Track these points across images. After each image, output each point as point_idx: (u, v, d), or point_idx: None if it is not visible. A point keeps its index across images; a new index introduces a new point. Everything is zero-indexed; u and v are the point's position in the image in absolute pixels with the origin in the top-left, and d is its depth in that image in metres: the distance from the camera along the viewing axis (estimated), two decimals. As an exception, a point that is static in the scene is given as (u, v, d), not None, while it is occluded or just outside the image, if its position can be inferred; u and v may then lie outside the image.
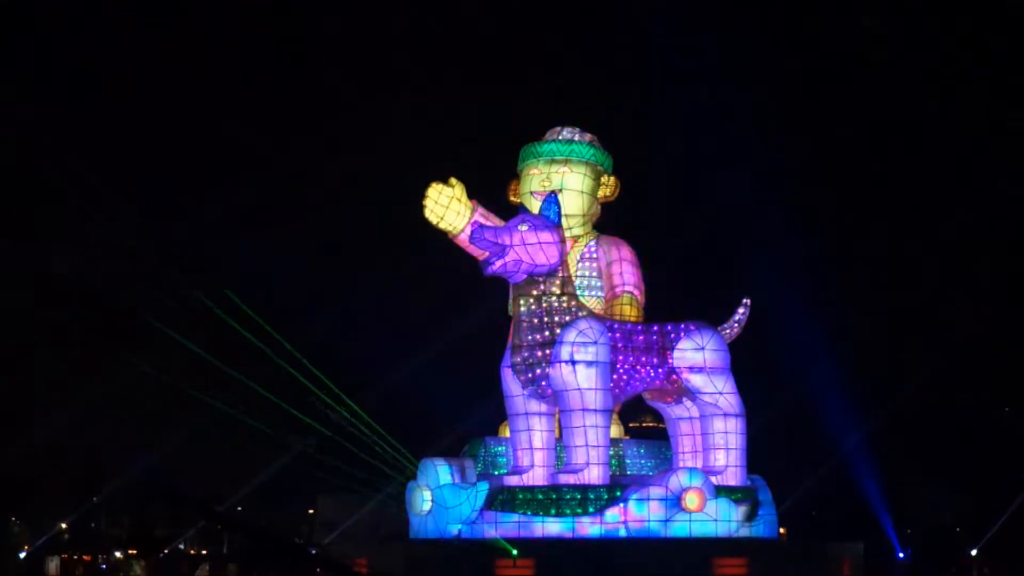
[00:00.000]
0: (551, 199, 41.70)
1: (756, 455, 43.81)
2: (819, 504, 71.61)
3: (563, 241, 41.27)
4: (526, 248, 40.36)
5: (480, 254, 41.49)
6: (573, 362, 40.50)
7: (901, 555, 66.36)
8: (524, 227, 40.52)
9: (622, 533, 40.49)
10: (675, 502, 40.63)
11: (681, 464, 42.79)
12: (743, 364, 43.78)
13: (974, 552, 68.95)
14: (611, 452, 43.34)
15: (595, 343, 40.70)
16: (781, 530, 49.33)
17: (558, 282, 41.09)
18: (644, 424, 63.45)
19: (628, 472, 43.89)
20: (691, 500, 40.70)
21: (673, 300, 49.11)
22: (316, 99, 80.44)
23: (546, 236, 40.57)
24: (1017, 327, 72.62)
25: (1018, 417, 73.82)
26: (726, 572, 40.32)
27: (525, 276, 40.89)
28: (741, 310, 44.09)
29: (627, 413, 47.13)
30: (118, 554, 78.93)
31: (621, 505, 40.57)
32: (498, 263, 40.28)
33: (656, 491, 40.80)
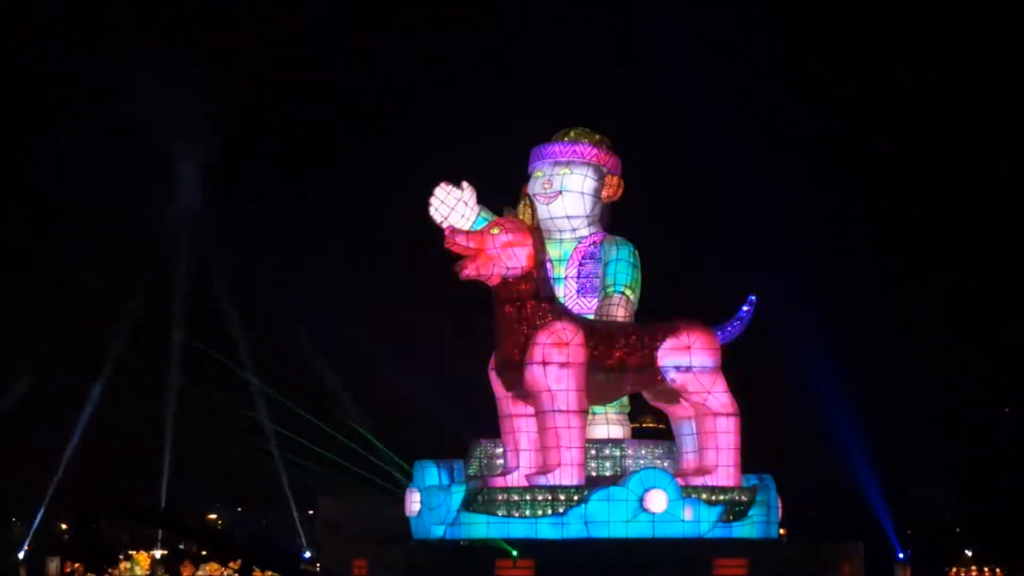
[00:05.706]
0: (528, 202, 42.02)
1: (757, 455, 43.72)
2: (819, 504, 71.65)
3: (539, 245, 41.31)
4: (498, 252, 40.56)
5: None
6: (545, 364, 40.61)
7: (901, 555, 66.38)
8: (496, 231, 40.79)
9: (584, 534, 40.50)
10: (638, 503, 40.65)
11: (684, 465, 42.77)
12: (744, 364, 43.68)
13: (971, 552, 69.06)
14: (616, 452, 43.37)
15: (567, 344, 40.75)
16: (781, 531, 49.23)
17: (533, 285, 41.15)
18: (644, 424, 63.41)
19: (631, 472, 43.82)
20: (654, 501, 40.68)
21: (679, 300, 49.08)
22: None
23: (518, 240, 40.74)
24: (1017, 326, 72.73)
25: (1018, 417, 73.92)
26: (726, 572, 40.31)
27: (500, 279, 41.03)
28: (746, 307, 43.98)
29: (629, 414, 46.95)
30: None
31: (584, 506, 40.62)
32: (471, 266, 40.52)
33: (618, 492, 40.84)
